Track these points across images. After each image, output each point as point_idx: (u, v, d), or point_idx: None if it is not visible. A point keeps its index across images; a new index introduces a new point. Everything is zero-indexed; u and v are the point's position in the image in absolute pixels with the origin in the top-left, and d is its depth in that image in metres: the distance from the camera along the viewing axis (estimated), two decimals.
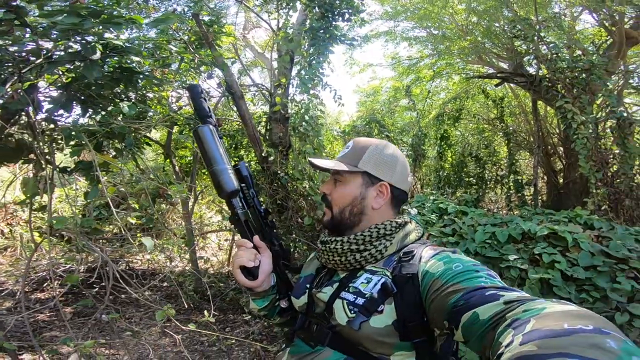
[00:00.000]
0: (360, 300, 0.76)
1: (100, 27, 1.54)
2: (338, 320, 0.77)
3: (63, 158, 2.00)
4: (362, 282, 0.79)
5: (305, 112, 3.64)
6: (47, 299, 3.26)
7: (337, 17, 3.82)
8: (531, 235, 2.56)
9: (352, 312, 0.75)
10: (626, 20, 5.17)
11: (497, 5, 5.62)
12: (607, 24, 5.37)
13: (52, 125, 1.64)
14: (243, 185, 0.93)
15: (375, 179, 0.87)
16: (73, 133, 1.40)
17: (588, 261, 2.29)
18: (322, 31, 3.80)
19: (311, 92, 3.71)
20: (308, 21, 3.93)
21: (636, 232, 2.51)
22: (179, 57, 2.87)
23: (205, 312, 1.78)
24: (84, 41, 1.53)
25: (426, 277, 0.72)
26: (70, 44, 1.59)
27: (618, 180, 4.14)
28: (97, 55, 1.46)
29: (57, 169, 1.51)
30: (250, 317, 3.46)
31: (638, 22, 5.15)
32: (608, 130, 4.61)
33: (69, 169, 1.56)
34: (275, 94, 3.96)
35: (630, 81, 5.47)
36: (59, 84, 1.76)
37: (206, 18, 3.62)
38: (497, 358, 0.42)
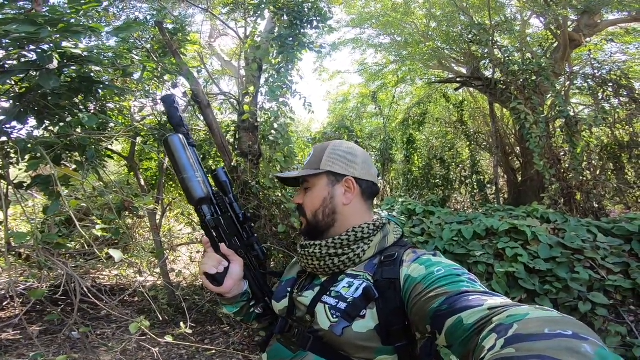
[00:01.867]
0: (342, 305, 0.76)
1: (58, 36, 1.48)
2: (320, 324, 0.77)
3: (18, 172, 1.88)
4: (343, 287, 0.80)
5: (274, 120, 3.64)
6: (9, 318, 3.04)
7: (305, 24, 3.87)
8: (494, 230, 2.70)
9: (335, 316, 0.75)
10: (569, 24, 5.62)
11: (455, 11, 5.92)
12: (552, 28, 5.80)
13: (4, 138, 1.54)
14: (217, 192, 0.93)
15: (339, 175, 0.89)
16: (29, 145, 1.32)
17: (547, 253, 2.42)
18: (290, 39, 3.84)
19: (280, 99, 3.73)
20: (276, 29, 3.95)
21: (587, 223, 2.70)
22: (141, 66, 2.79)
23: (182, 324, 1.73)
24: (39, 50, 1.46)
25: (408, 281, 0.73)
26: (25, 53, 1.51)
27: (569, 176, 4.47)
28: (54, 64, 1.40)
29: (12, 185, 1.42)
30: (229, 327, 3.39)
31: (579, 25, 5.61)
32: (558, 129, 4.98)
33: (25, 184, 1.47)
34: (244, 103, 3.94)
35: (575, 82, 5.91)
36: (12, 95, 1.66)
37: (170, 26, 3.56)
38: None
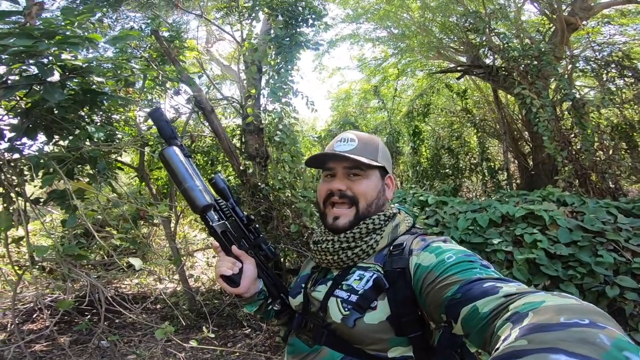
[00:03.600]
0: (353, 298, 0.76)
1: (56, 49, 1.47)
2: (333, 318, 0.77)
3: (34, 189, 1.89)
4: (355, 279, 0.80)
5: (279, 121, 3.63)
6: (39, 329, 3.09)
7: (301, 23, 3.85)
8: (510, 217, 2.65)
9: (346, 309, 0.75)
10: (564, 7, 5.53)
11: (449, 1, 5.86)
12: (547, 12, 5.71)
13: (17, 155, 1.55)
14: (219, 198, 0.95)
15: (385, 172, 0.92)
16: (41, 161, 1.32)
17: (568, 237, 2.36)
18: (287, 39, 3.82)
19: (283, 100, 3.71)
20: (272, 30, 3.94)
21: (606, 204, 2.63)
22: (142, 76, 2.79)
23: (204, 328, 1.73)
24: (39, 63, 1.46)
25: (419, 270, 0.72)
26: (25, 67, 1.51)
27: (582, 157, 4.39)
28: (56, 77, 1.40)
29: (29, 201, 1.42)
30: (250, 330, 3.39)
31: (574, 9, 5.52)
32: (566, 112, 4.90)
33: (41, 200, 1.47)
34: (247, 106, 3.93)
35: (578, 65, 5.82)
36: (19, 111, 1.67)
37: (166, 34, 3.56)
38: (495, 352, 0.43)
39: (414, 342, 0.73)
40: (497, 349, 0.42)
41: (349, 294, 0.78)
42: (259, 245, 0.96)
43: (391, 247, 0.82)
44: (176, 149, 0.89)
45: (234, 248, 0.92)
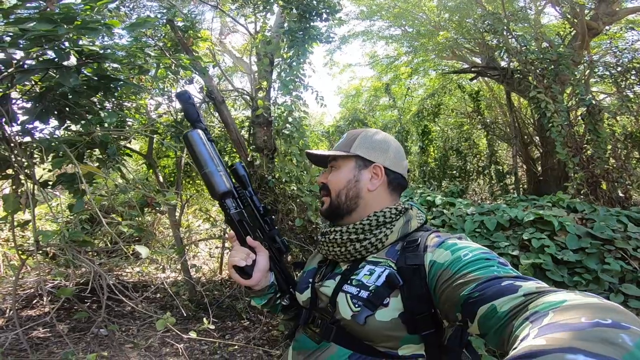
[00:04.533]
0: (364, 294, 0.74)
1: (75, 34, 1.48)
2: (342, 314, 0.75)
3: (43, 172, 1.91)
4: (365, 274, 0.78)
5: (288, 114, 3.62)
6: (38, 316, 3.13)
7: (315, 17, 3.82)
8: (518, 221, 2.62)
9: (357, 305, 0.73)
10: (586, 12, 5.41)
11: (467, 1, 5.77)
12: (569, 16, 5.60)
13: (28, 138, 1.56)
14: (238, 186, 0.93)
15: (367, 161, 0.88)
16: (52, 144, 1.33)
17: (576, 244, 2.34)
18: (300, 32, 3.80)
19: (293, 93, 3.70)
20: (286, 23, 3.92)
21: (617, 212, 2.60)
22: (155, 65, 2.80)
23: (204, 319, 1.73)
24: (57, 48, 1.46)
25: (434, 267, 0.70)
26: (42, 51, 1.52)
27: (593, 165, 4.31)
28: (73, 61, 1.40)
29: (38, 184, 1.43)
30: (249, 322, 3.41)
31: (597, 13, 5.40)
32: (579, 118, 4.81)
33: (50, 183, 1.48)
34: (257, 98, 3.93)
35: (596, 71, 5.70)
36: (33, 95, 1.68)
37: (180, 24, 3.56)
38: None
39: (426, 340, 0.72)
40: (515, 348, 0.40)
41: (358, 289, 0.76)
42: (273, 238, 0.94)
43: (405, 243, 0.79)
44: (200, 133, 0.88)
45: (249, 239, 0.90)
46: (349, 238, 0.82)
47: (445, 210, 3.06)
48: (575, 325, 0.37)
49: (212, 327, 1.96)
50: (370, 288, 0.74)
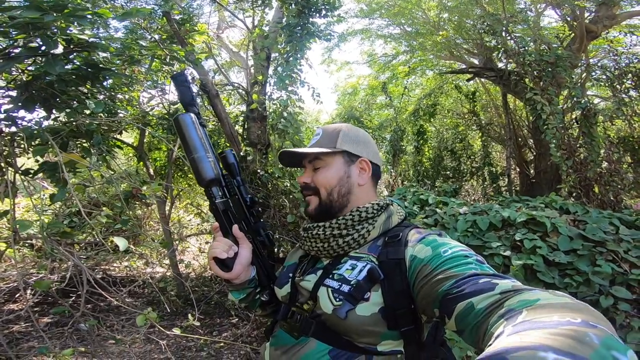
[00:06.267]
0: (345, 288, 0.74)
1: (63, 21, 1.43)
2: (323, 308, 0.75)
3: (29, 161, 1.86)
4: (346, 269, 0.78)
5: (283, 109, 3.59)
6: (21, 310, 3.08)
7: (314, 13, 3.78)
8: (511, 222, 2.62)
9: (338, 299, 0.73)
10: (586, 15, 5.42)
11: (467, 2, 5.76)
12: (568, 19, 5.61)
13: (14, 128, 1.52)
14: (226, 173, 0.92)
15: (354, 156, 0.88)
16: (35, 132, 1.28)
17: (568, 245, 2.35)
18: (298, 28, 3.76)
19: (289, 88, 3.66)
20: (285, 19, 3.87)
21: (609, 215, 2.60)
22: (149, 57, 2.74)
23: (190, 315, 1.70)
24: (44, 35, 1.42)
25: (414, 262, 0.71)
26: (29, 39, 1.47)
27: (586, 168, 4.33)
28: (60, 49, 1.36)
29: (19, 172, 1.39)
30: (237, 319, 3.37)
31: (598, 16, 5.41)
32: (574, 121, 4.83)
33: (32, 171, 1.44)
34: (252, 92, 3.88)
35: (593, 74, 5.72)
36: (19, 83, 1.63)
37: (177, 17, 3.50)
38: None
39: (406, 336, 0.72)
40: (490, 344, 0.41)
41: (340, 283, 0.75)
42: (257, 231, 0.92)
43: (386, 238, 0.80)
44: (193, 116, 0.86)
45: (235, 228, 0.88)
46: (332, 234, 0.82)
47: (438, 210, 3.05)
48: (548, 323, 0.38)
49: (198, 323, 1.92)
50: (352, 282, 0.74)
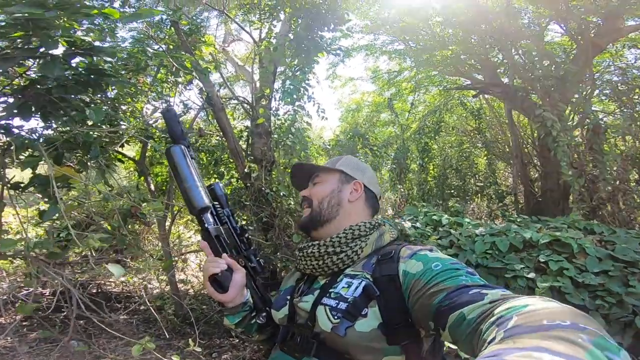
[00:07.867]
0: (342, 305, 0.75)
1: (65, 19, 1.33)
2: (322, 327, 0.75)
3: (20, 173, 1.73)
4: (343, 287, 0.79)
5: (291, 124, 3.49)
6: (10, 323, 2.90)
7: (322, 27, 3.73)
8: (533, 243, 2.47)
9: (336, 317, 0.73)
10: (590, 28, 5.40)
11: (473, 18, 5.76)
12: (573, 33, 5.58)
13: (7, 138, 1.39)
14: (217, 204, 0.96)
15: (350, 177, 0.96)
16: (26, 141, 1.16)
17: (597, 266, 2.22)
18: (307, 41, 3.70)
19: (296, 103, 3.57)
20: (291, 33, 3.82)
21: (637, 234, 2.48)
22: (154, 68, 2.66)
23: (190, 340, 1.54)
24: (44, 34, 1.31)
25: (407, 277, 0.72)
26: (29, 39, 1.36)
27: (599, 186, 4.20)
28: (60, 50, 1.25)
29: (8, 185, 1.25)
30: (238, 340, 3.17)
31: (603, 30, 5.37)
32: (579, 138, 4.73)
33: (22, 185, 1.30)
34: (258, 106, 3.79)
35: (598, 89, 5.67)
36: (15, 88, 1.51)
37: (185, 28, 3.46)
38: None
39: (407, 351, 0.72)
40: (484, 349, 0.42)
41: (337, 301, 0.76)
42: (248, 258, 0.96)
43: (379, 256, 0.82)
44: (183, 148, 0.91)
45: (225, 256, 0.90)
46: (326, 251, 0.85)
47: (452, 231, 2.90)
48: (538, 327, 0.39)
49: (199, 349, 1.76)
50: (349, 300, 0.75)
